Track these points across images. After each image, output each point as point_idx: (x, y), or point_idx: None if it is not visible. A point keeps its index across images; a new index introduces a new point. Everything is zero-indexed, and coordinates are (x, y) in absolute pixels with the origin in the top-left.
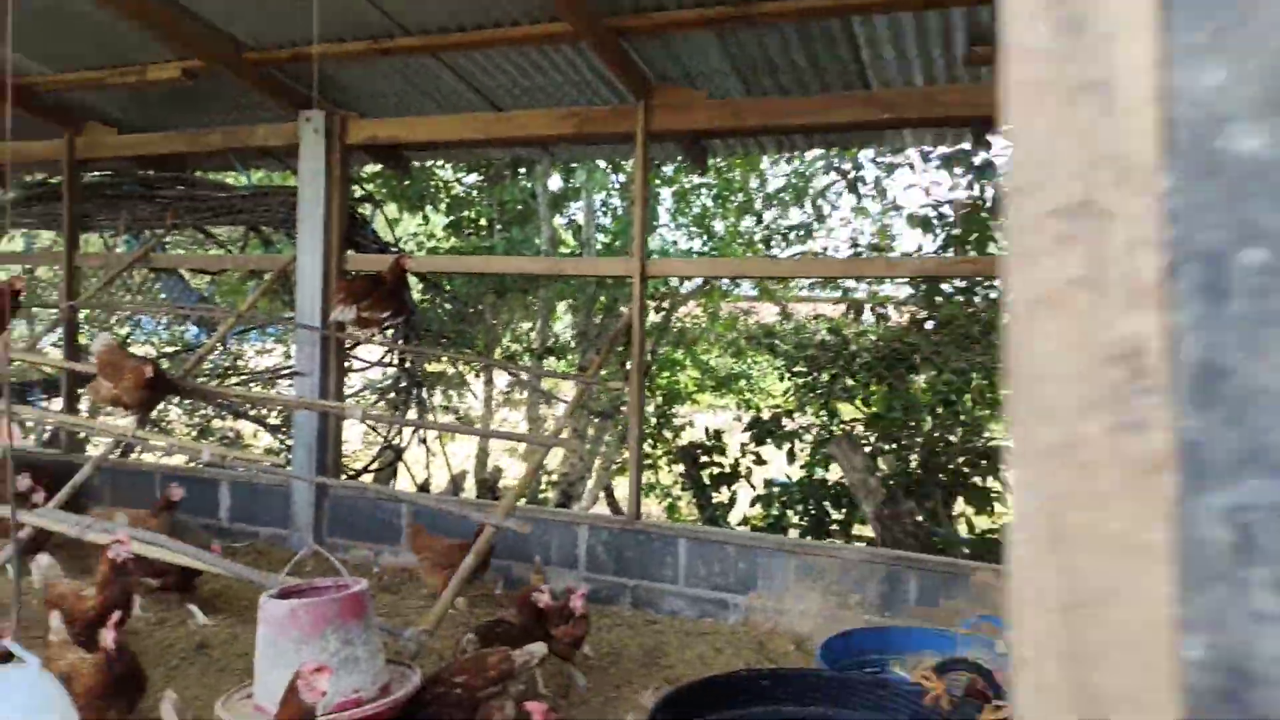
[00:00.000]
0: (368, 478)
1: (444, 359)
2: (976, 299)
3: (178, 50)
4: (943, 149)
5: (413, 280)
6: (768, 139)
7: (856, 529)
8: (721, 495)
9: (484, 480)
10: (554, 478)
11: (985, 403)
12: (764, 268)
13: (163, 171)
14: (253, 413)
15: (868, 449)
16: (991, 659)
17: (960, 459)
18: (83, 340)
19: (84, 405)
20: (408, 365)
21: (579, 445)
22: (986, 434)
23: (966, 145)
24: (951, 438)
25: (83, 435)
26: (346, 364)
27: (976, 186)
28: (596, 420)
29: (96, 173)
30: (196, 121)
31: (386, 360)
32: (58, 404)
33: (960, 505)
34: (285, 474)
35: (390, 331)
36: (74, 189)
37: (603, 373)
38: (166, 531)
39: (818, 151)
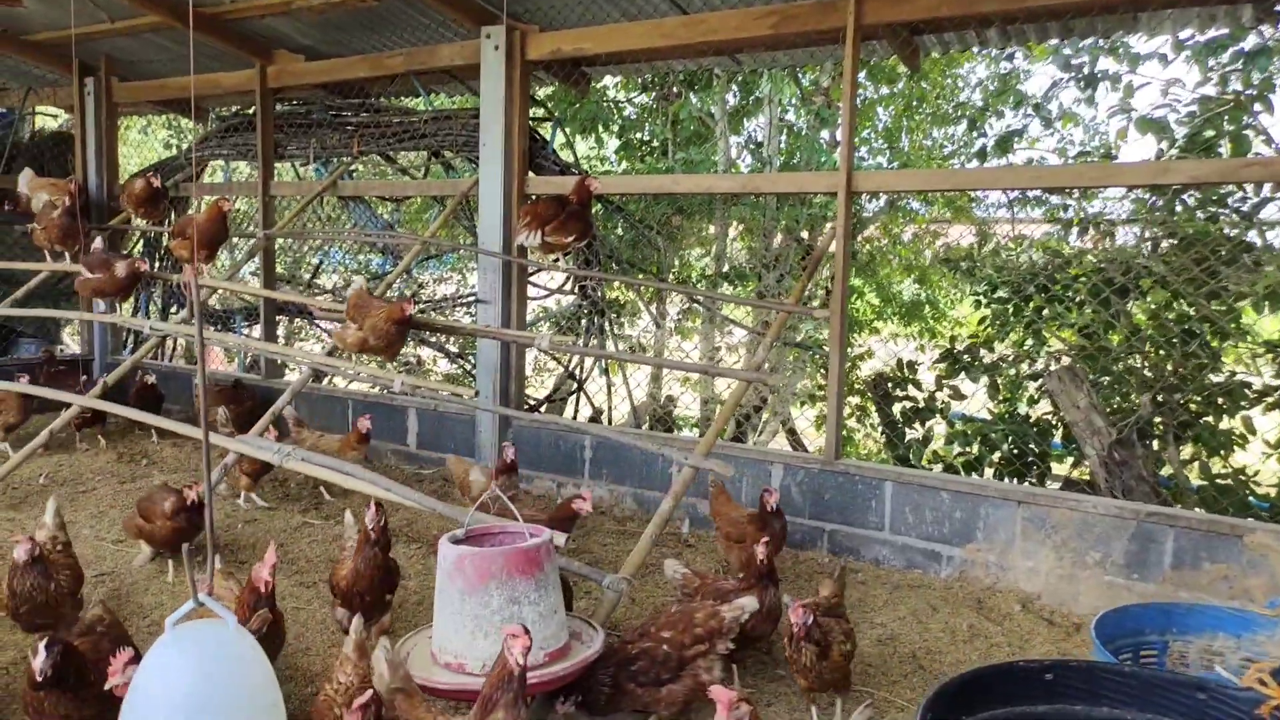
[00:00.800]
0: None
1: (621, 285)
2: (1224, 213)
3: None
4: (1209, 33)
5: (599, 210)
6: (993, 30)
7: (1065, 470)
8: (915, 431)
9: (655, 411)
10: (759, 395)
11: (1225, 334)
12: (986, 179)
13: (348, 99)
14: (433, 339)
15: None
16: None
17: (1194, 397)
18: (279, 270)
19: (281, 332)
20: (589, 292)
21: (778, 380)
22: (1226, 369)
23: (1227, 30)
24: (1183, 372)
25: (280, 362)
26: (528, 291)
27: (1238, 79)
28: (786, 350)
29: (286, 103)
30: (380, 45)
31: (567, 287)
32: (257, 331)
33: (1190, 448)
34: (471, 404)
35: (570, 257)
36: (267, 118)
37: (815, 302)
38: (362, 461)
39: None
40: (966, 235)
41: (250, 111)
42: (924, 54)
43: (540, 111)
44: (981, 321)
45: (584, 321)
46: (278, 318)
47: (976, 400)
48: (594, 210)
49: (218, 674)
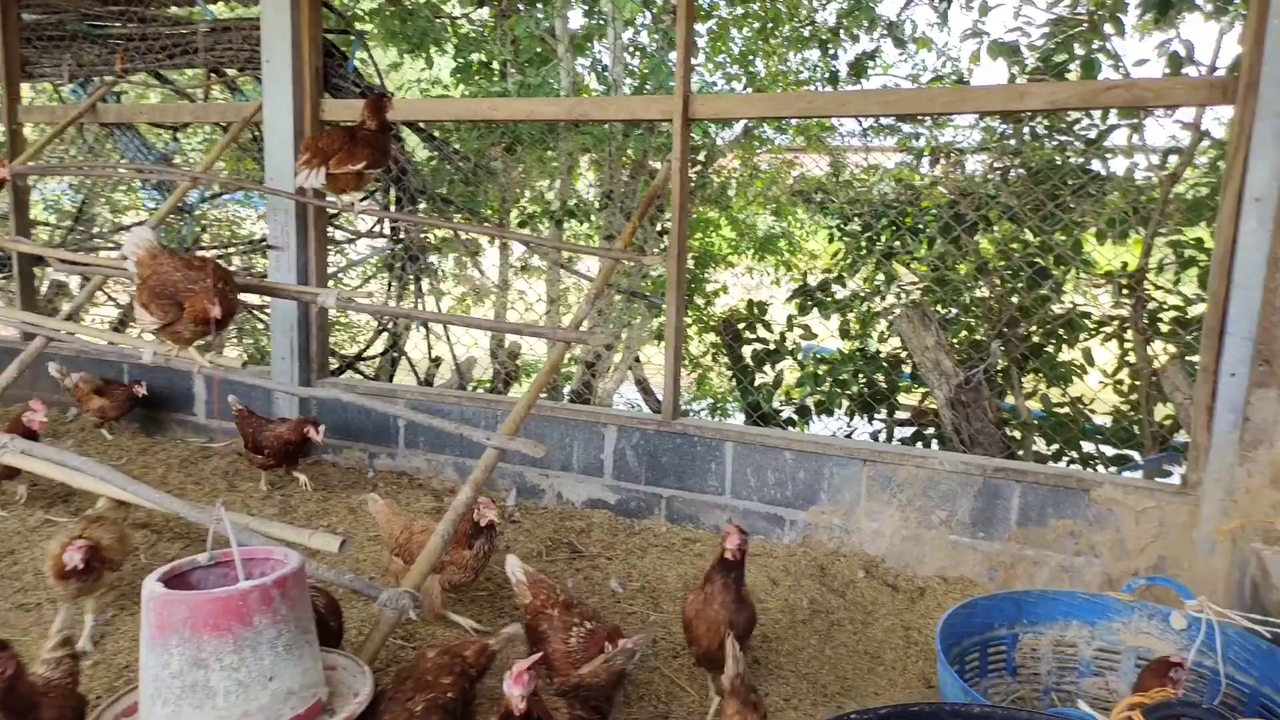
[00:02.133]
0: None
1: (441, 227)
2: (1071, 142)
3: None
4: None
5: (417, 143)
6: None
7: (914, 400)
8: (766, 375)
9: (511, 352)
10: (574, 352)
11: (1067, 264)
12: (832, 104)
13: (109, 6)
14: None
15: (936, 318)
16: (1171, 639)
17: (1036, 329)
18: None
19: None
20: (402, 236)
21: (606, 337)
22: (1067, 301)
23: None
24: (1026, 304)
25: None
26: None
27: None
28: (625, 299)
29: (34, 11)
30: None
31: (376, 230)
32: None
33: (1031, 379)
34: (245, 377)
35: (380, 195)
36: (10, 29)
37: (636, 239)
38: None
39: None
40: (823, 166)
41: None
42: None
43: (343, 30)
44: (835, 255)
45: (397, 269)
46: (37, 269)
47: (830, 340)
48: (418, 148)
49: None
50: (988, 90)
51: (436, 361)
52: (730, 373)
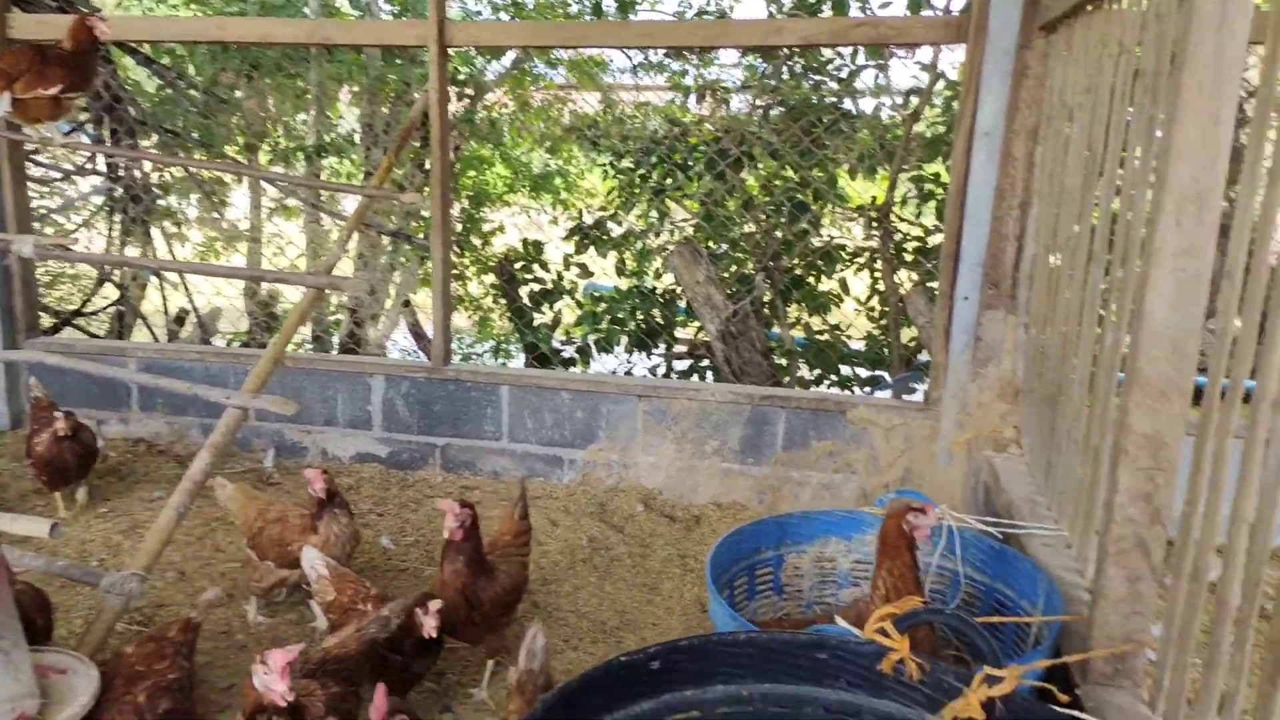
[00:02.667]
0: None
1: (166, 164)
2: (825, 81)
3: None
4: None
5: (144, 74)
6: None
7: (690, 334)
8: (544, 315)
9: (261, 301)
10: (340, 299)
11: (824, 199)
12: (594, 33)
13: None
14: None
15: (706, 253)
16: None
17: (797, 260)
18: None
19: None
20: (121, 174)
21: (360, 283)
22: (825, 234)
23: None
24: (789, 238)
25: None
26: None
27: None
28: (388, 240)
29: None
30: None
31: (88, 168)
32: None
33: (795, 310)
34: None
35: (94, 129)
36: None
37: (396, 174)
38: None
39: None
40: (595, 104)
41: None
42: None
43: None
44: (610, 193)
45: (120, 212)
46: None
47: (607, 279)
48: (114, 63)
49: None
50: (746, 25)
51: (180, 318)
52: (507, 313)
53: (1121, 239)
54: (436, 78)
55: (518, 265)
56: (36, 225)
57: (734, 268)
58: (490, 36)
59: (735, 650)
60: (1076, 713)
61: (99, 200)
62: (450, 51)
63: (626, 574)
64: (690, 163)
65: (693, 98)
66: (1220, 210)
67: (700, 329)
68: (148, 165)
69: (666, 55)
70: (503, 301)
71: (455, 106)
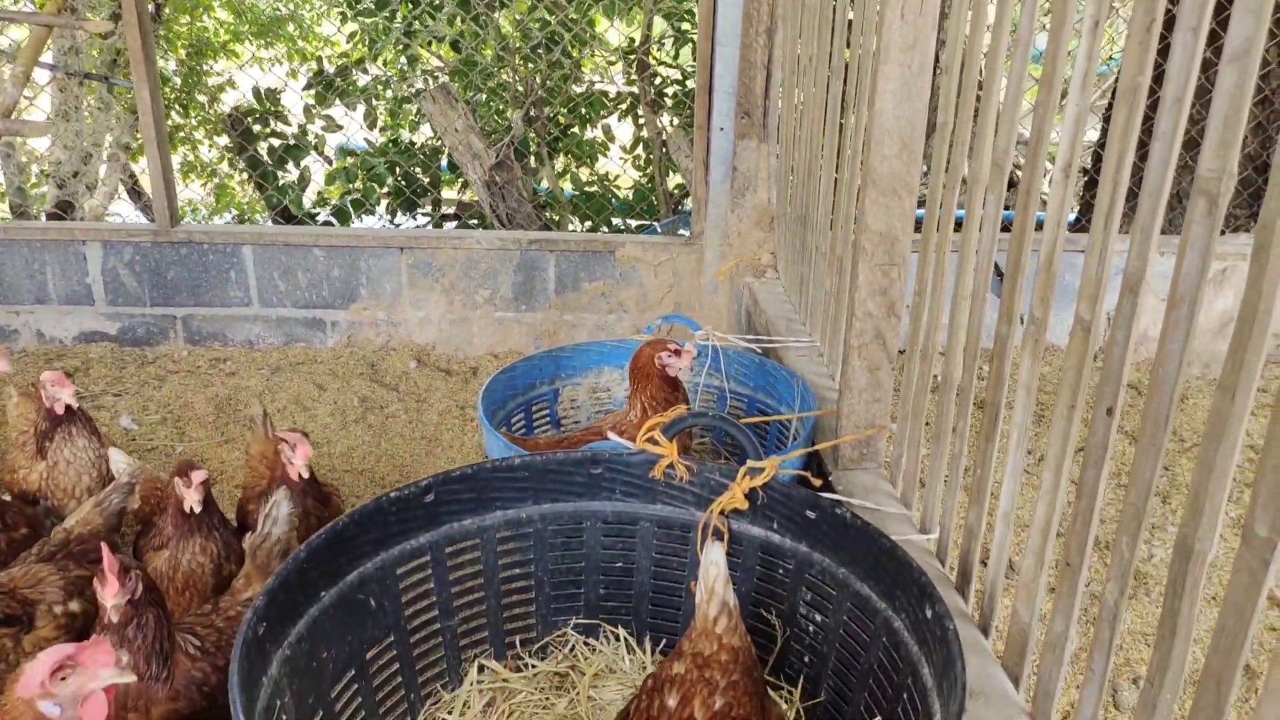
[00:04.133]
0: None
1: None
2: None
3: None
4: None
5: None
6: None
7: (454, 194)
8: (289, 174)
9: None
10: (44, 167)
11: (583, 42)
12: None
13: None
14: None
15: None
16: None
17: (561, 110)
18: None
19: None
20: None
21: (42, 126)
22: (586, 80)
23: None
24: (550, 85)
25: None
26: None
27: None
28: (86, 85)
29: None
30: None
31: None
32: None
33: (561, 160)
34: None
35: None
36: None
37: (80, 8)
38: None
39: None
40: None
41: None
42: None
43: None
44: (351, 39)
45: None
46: None
47: (356, 132)
48: None
49: None
50: None
51: None
52: (248, 176)
53: (856, 52)
54: None
55: (252, 120)
56: None
57: (494, 117)
58: None
59: (510, 475)
60: (827, 494)
61: None
62: None
63: (404, 430)
64: (439, 3)
65: None
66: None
67: (466, 186)
68: None
69: None
70: (241, 165)
71: None
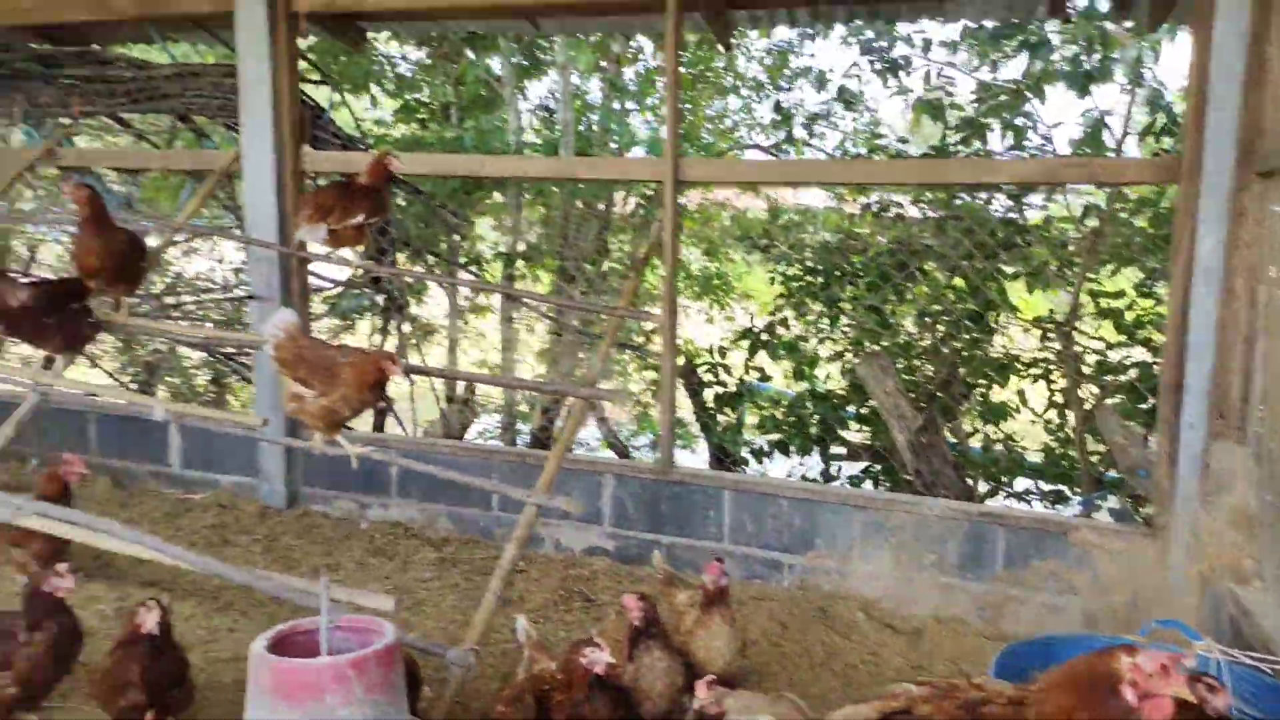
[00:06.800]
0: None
1: (421, 278)
2: (997, 197)
3: None
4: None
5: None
6: (803, 9)
7: (855, 437)
8: (729, 417)
9: (457, 400)
10: (543, 402)
11: (998, 310)
12: (815, 172)
13: (64, 45)
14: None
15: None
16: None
17: (974, 371)
18: None
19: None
20: (385, 285)
21: (625, 397)
22: (999, 345)
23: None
24: (964, 349)
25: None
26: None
27: (1017, 69)
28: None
29: None
30: None
31: (357, 280)
32: None
33: (970, 420)
34: (255, 435)
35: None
36: None
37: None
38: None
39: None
40: (753, 204)
41: None
42: (734, 29)
43: (310, 73)
44: (778, 298)
45: (378, 318)
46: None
47: (779, 380)
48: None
49: None
50: (962, 164)
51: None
52: (695, 414)
53: None
54: (670, 209)
55: (701, 367)
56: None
57: (906, 376)
58: (722, 173)
59: None
60: None
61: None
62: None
63: (865, 680)
64: (861, 272)
65: (857, 206)
66: None
67: (875, 433)
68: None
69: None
70: (695, 413)
71: (623, 208)
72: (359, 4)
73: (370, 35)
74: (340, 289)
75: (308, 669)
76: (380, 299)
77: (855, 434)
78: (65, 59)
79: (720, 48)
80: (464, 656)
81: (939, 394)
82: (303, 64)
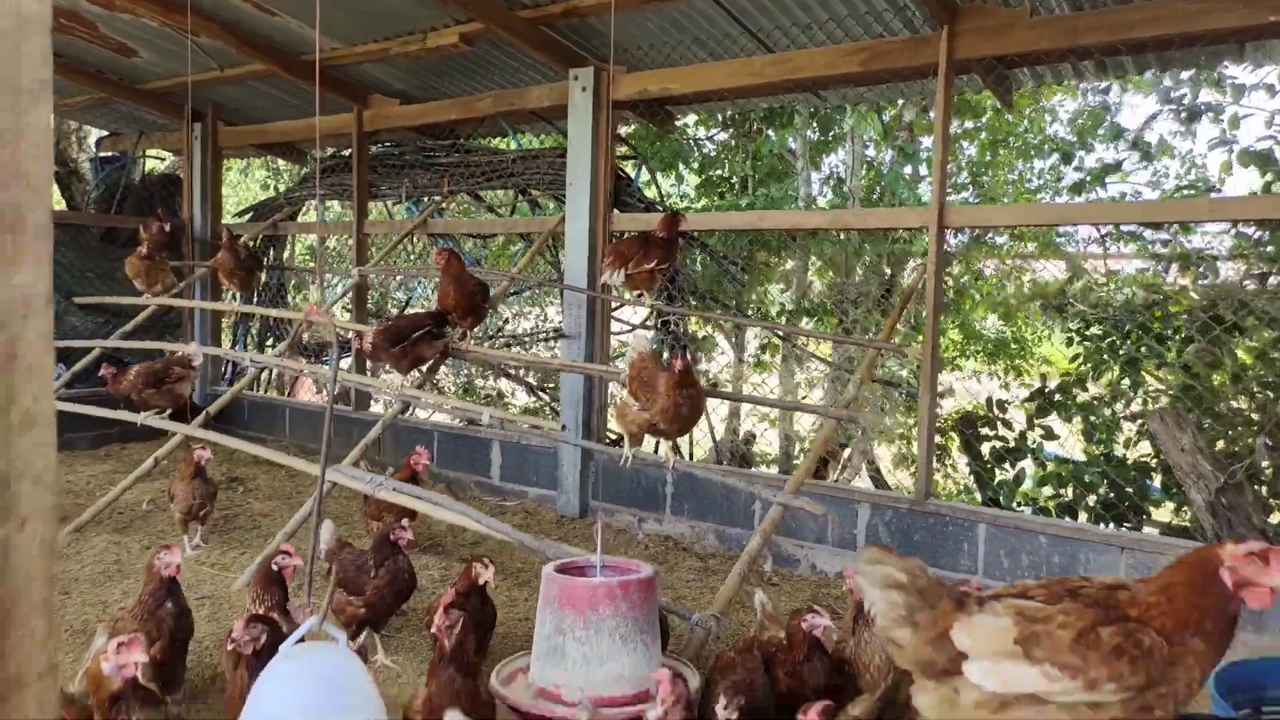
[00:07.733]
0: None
1: (699, 321)
2: None
3: (456, 14)
4: None
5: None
6: (1090, 62)
7: (1165, 516)
8: (1005, 473)
9: (735, 448)
10: (805, 445)
11: None
12: (1080, 213)
13: (439, 140)
14: (514, 372)
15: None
16: None
17: None
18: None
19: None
20: (672, 327)
21: (871, 416)
22: None
23: None
24: None
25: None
26: (611, 325)
27: None
28: (873, 387)
29: (380, 145)
30: (470, 89)
31: (650, 323)
32: (346, 363)
33: None
34: (555, 438)
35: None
36: (362, 160)
37: (897, 338)
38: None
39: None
40: (1052, 270)
41: (346, 153)
42: (1015, 88)
43: (624, 149)
44: (1074, 360)
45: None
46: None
47: (1070, 443)
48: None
49: (330, 692)
50: (1255, 202)
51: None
52: (969, 468)
53: None
54: (934, 253)
55: (979, 423)
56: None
57: (1220, 443)
58: (985, 218)
59: None
60: None
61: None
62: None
63: None
64: (1169, 333)
65: (1174, 267)
66: None
67: (1179, 509)
68: (691, 322)
69: (1140, 224)
70: (947, 462)
71: (908, 276)
72: (665, 90)
73: (679, 121)
74: (633, 330)
75: (588, 585)
76: (669, 341)
77: (1161, 513)
78: (438, 150)
79: (1001, 105)
80: (706, 620)
81: (1256, 449)
82: (623, 148)
